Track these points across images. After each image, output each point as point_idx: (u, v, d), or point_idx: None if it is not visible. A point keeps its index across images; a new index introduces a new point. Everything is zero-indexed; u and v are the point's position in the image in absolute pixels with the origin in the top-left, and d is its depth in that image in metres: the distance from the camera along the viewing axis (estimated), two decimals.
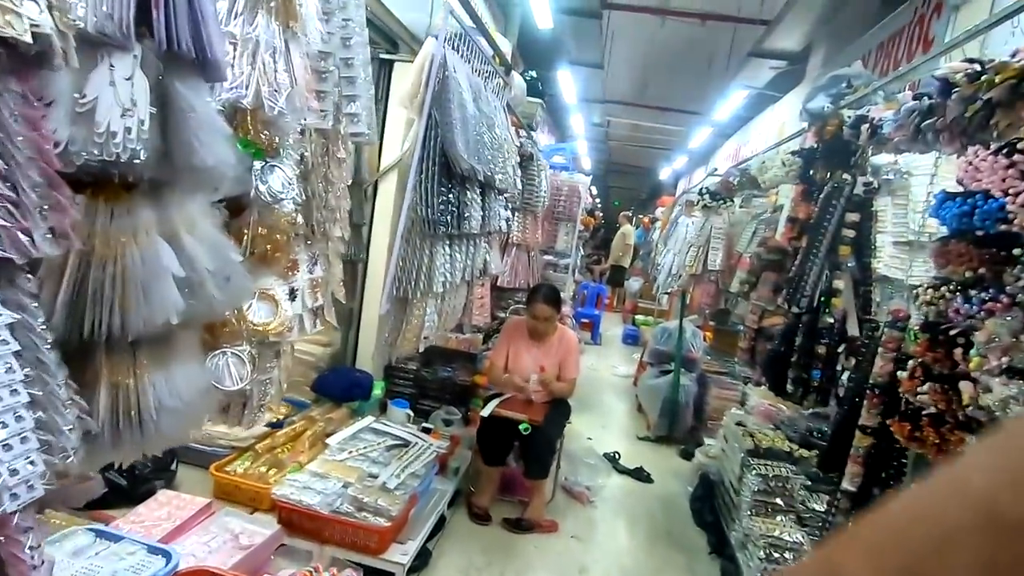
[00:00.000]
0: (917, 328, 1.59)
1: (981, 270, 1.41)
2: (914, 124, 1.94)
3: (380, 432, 2.92)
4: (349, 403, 3.18)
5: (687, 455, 4.18)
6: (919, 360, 1.60)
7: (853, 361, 2.43)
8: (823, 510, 2.58)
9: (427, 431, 3.16)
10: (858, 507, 1.91)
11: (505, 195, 3.16)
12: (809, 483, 2.67)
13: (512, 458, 3.13)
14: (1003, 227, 1.40)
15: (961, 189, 1.59)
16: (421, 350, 2.48)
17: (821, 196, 2.62)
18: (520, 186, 3.45)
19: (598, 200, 26.00)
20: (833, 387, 2.49)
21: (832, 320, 2.45)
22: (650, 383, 4.51)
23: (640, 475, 3.72)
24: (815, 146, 2.88)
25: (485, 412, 2.82)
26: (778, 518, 2.58)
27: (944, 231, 1.58)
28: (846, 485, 1.92)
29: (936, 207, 1.58)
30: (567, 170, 6.34)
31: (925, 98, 1.91)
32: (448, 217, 2.16)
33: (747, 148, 7.41)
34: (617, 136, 13.40)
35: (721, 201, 5.29)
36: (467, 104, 2.20)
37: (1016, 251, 1.36)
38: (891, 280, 2.70)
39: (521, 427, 2.74)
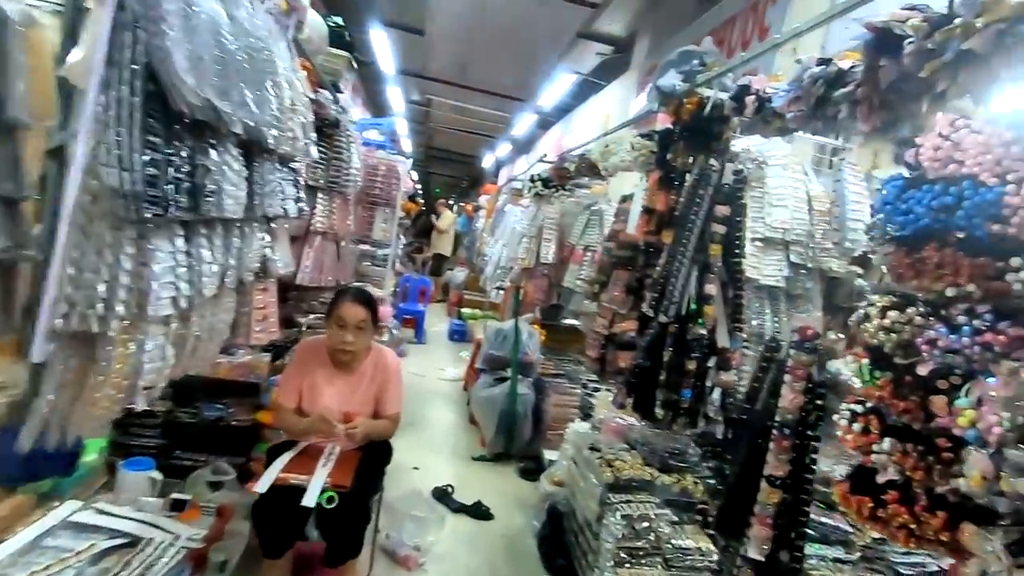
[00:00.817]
0: (867, 363, 1.18)
1: (970, 287, 1.01)
2: (818, 95, 1.58)
3: (86, 529, 1.86)
4: (34, 484, 2.02)
5: (527, 474, 3.72)
6: (868, 406, 1.19)
7: (722, 376, 2.09)
8: (689, 546, 2.24)
9: (178, 506, 2.15)
10: None
11: (293, 165, 2.26)
12: (675, 519, 2.31)
13: (312, 524, 2.26)
14: (995, 227, 1.01)
15: (906, 175, 1.21)
16: (140, 407, 1.50)
17: (686, 185, 2.24)
18: (314, 155, 2.56)
19: (419, 187, 25.17)
20: (702, 406, 2.13)
21: (702, 332, 2.08)
22: (484, 394, 3.96)
23: (479, 511, 3.13)
24: (672, 128, 2.51)
25: (261, 485, 1.92)
26: (645, 568, 2.16)
27: (894, 231, 1.18)
28: (752, 553, 1.50)
29: (891, 197, 1.17)
30: (384, 148, 5.44)
31: (833, 63, 1.55)
32: (171, 190, 1.25)
33: (570, 138, 7.30)
34: (439, 119, 12.72)
35: (553, 189, 4.93)
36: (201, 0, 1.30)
37: (1015, 261, 0.98)
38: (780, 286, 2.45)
39: (320, 499, 1.91)
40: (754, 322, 2.45)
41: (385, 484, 2.47)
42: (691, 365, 2.09)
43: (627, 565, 2.17)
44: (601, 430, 2.99)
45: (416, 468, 3.56)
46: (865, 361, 1.18)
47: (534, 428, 4.00)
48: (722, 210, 2.09)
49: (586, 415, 3.70)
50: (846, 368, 2.71)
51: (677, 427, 2.12)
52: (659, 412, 2.11)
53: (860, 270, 2.64)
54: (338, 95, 3.95)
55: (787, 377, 1.50)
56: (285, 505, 1.89)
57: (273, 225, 2.28)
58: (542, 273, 5.12)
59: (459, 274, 9.92)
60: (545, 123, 9.11)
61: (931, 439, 1.05)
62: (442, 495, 3.21)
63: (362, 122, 6.53)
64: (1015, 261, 0.97)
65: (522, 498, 3.39)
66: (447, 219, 10.92)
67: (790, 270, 2.51)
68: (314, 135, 2.34)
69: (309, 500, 1.87)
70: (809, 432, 1.49)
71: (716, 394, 2.10)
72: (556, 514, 2.83)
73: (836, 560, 2.16)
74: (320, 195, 3.38)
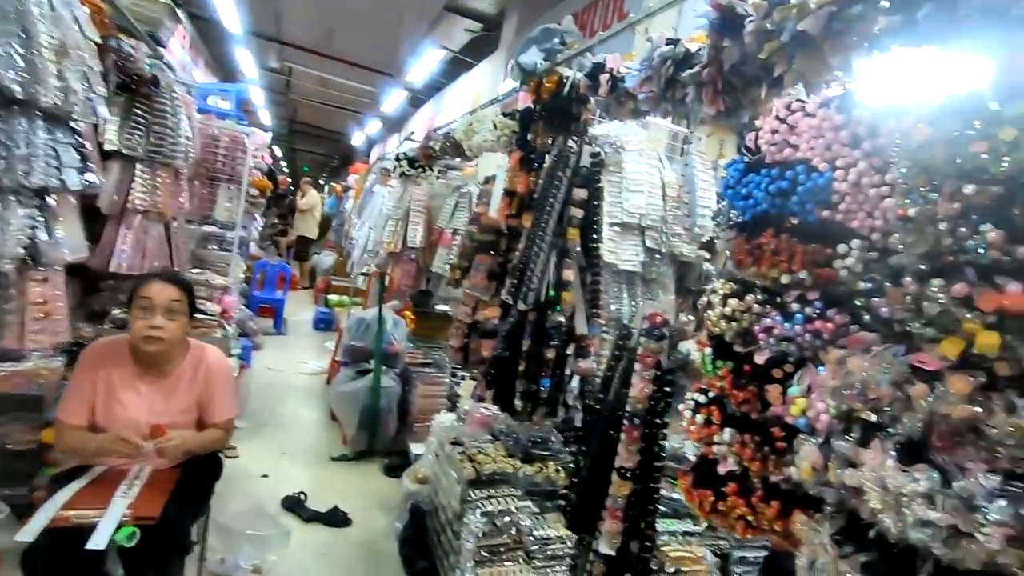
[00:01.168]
0: (709, 352, 1.15)
1: (802, 274, 1.00)
2: (667, 76, 1.54)
3: None
4: None
5: (392, 471, 3.51)
6: (711, 396, 1.16)
7: (581, 363, 2.05)
8: (551, 536, 2.21)
9: None
10: (617, 572, 1.48)
11: (74, 126, 1.82)
12: (536, 510, 2.26)
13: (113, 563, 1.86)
14: (825, 213, 1.00)
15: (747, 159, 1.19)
16: None
17: (545, 167, 2.15)
18: (104, 114, 2.10)
19: (284, 164, 23.25)
20: (561, 395, 2.09)
21: (560, 319, 2.02)
22: (345, 388, 3.66)
23: (334, 519, 2.87)
24: (532, 107, 2.41)
25: (29, 530, 1.52)
26: (507, 564, 2.09)
27: (735, 217, 1.15)
28: (603, 548, 1.45)
29: (732, 181, 1.14)
30: (230, 117, 4.81)
31: (681, 43, 1.52)
32: None
33: (441, 117, 7.06)
34: (303, 91, 11.73)
35: (420, 169, 4.70)
36: None
37: (842, 247, 0.98)
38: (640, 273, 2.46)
39: (117, 537, 1.56)
40: (612, 307, 2.46)
41: (227, 498, 2.15)
42: (550, 353, 2.02)
43: (488, 564, 2.07)
44: (466, 421, 2.87)
45: (265, 476, 3.20)
46: (708, 350, 1.15)
47: (400, 421, 3.79)
48: (580, 193, 2.04)
49: (454, 406, 3.58)
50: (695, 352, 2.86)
51: (537, 418, 2.05)
52: (518, 404, 2.03)
53: (707, 255, 2.77)
54: (159, 48, 3.38)
55: (637, 366, 1.46)
56: (67, 552, 1.51)
57: (50, 200, 1.83)
58: (410, 258, 4.88)
59: (326, 259, 9.29)
60: (416, 101, 8.75)
61: (766, 428, 1.03)
62: (294, 504, 2.90)
63: (204, 87, 5.75)
64: (842, 248, 0.97)
65: (386, 498, 3.19)
66: (311, 199, 10.13)
67: (646, 255, 2.56)
68: (103, 90, 1.90)
69: (98, 541, 1.51)
70: (657, 420, 1.47)
71: (575, 382, 2.06)
72: (419, 513, 2.68)
73: (685, 533, 2.24)
74: (140, 167, 2.85)
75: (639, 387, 1.44)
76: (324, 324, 7.22)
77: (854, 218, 0.96)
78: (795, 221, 1.02)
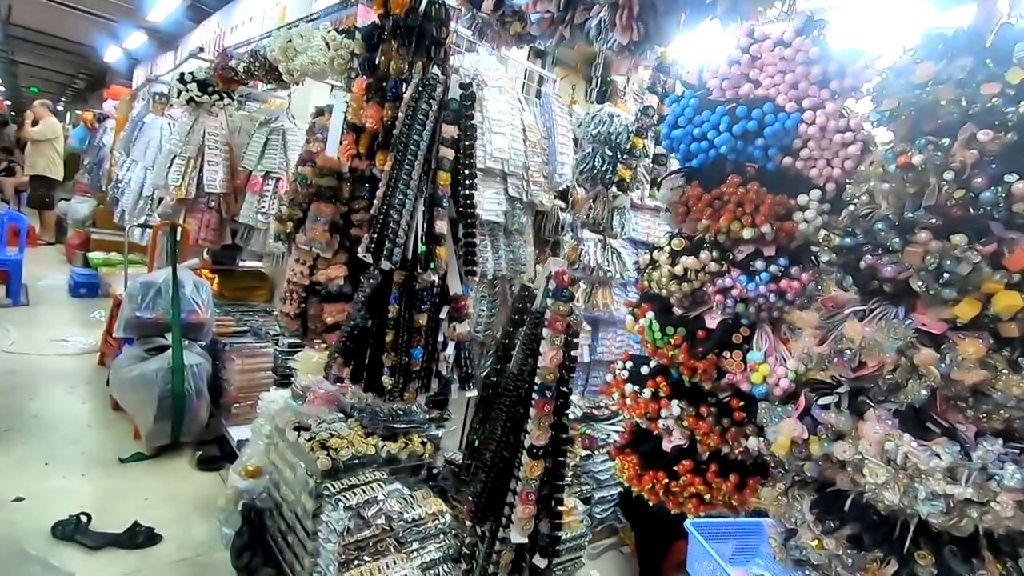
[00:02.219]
0: (653, 317, 1.01)
1: (765, 227, 0.89)
2: None
3: None
4: None
5: (207, 464, 2.94)
6: (653, 366, 1.04)
7: (457, 328, 1.83)
8: (422, 515, 2.01)
9: None
10: (523, 559, 1.34)
11: None
12: (406, 491, 2.02)
13: None
14: (786, 160, 0.90)
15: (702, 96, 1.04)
16: None
17: (405, 98, 1.80)
18: None
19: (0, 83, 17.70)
20: (435, 365, 1.85)
21: (435, 278, 1.75)
22: (132, 372, 2.90)
23: (136, 538, 2.27)
24: (380, 23, 2.00)
25: None
26: (379, 559, 1.84)
27: (682, 161, 1.01)
28: (515, 536, 1.30)
29: (681, 119, 0.98)
30: None
31: None
32: None
33: (235, 36, 5.87)
34: None
35: (217, 96, 3.82)
36: None
37: (802, 198, 0.90)
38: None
39: None
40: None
41: None
42: (422, 319, 1.76)
43: (356, 564, 1.80)
44: (307, 399, 2.46)
45: (20, 499, 2.39)
46: (650, 315, 1.02)
47: (213, 404, 3.17)
48: (450, 131, 1.75)
49: (284, 381, 3.09)
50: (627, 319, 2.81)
51: (408, 394, 1.79)
52: (387, 380, 1.74)
53: (563, 204, 2.70)
54: None
55: (546, 331, 1.29)
56: None
57: None
58: (208, 205, 4.02)
59: (81, 206, 7.39)
60: (199, 12, 7.15)
61: (720, 399, 0.94)
62: (72, 531, 2.21)
63: None
64: (802, 199, 0.89)
65: (204, 500, 2.64)
66: (48, 127, 7.86)
67: (507, 204, 2.38)
68: None
69: None
70: (566, 390, 1.34)
71: (450, 349, 1.83)
72: (255, 513, 2.25)
73: None
74: None
75: (550, 355, 1.27)
76: (86, 289, 5.76)
77: (814, 166, 0.88)
78: (755, 167, 0.91)
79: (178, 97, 3.82)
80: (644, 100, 2.40)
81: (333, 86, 2.58)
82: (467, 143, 1.79)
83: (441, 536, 2.05)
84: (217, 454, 2.97)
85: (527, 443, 1.29)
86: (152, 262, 3.52)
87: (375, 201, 1.79)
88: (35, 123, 7.91)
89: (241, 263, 4.58)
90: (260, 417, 2.74)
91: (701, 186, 0.95)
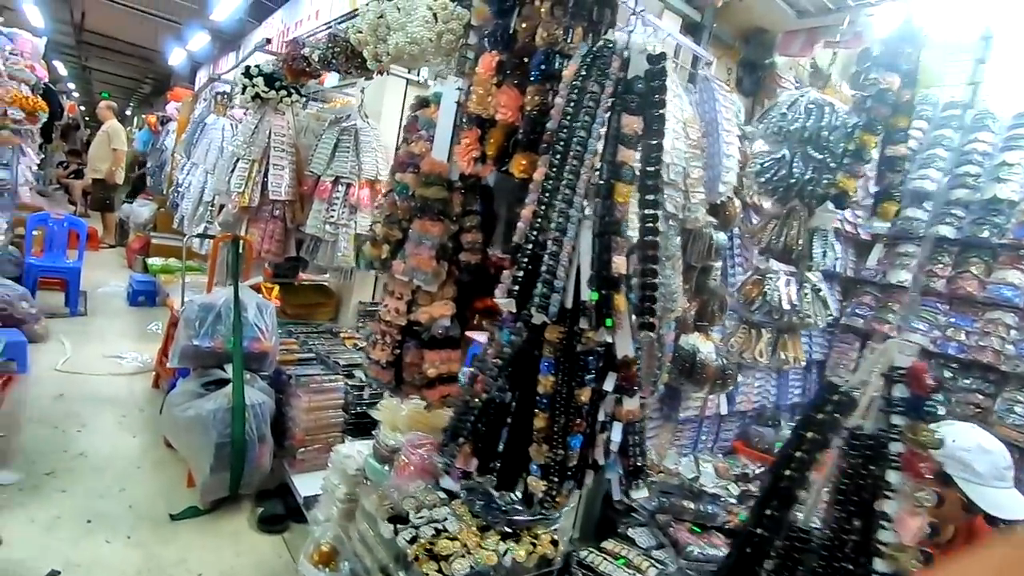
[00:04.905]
0: None
1: None
2: None
3: None
4: None
5: (270, 524, 2.48)
6: None
7: (626, 404, 1.27)
8: None
9: None
10: None
11: None
12: None
13: None
14: None
15: None
16: None
17: (565, 77, 1.26)
18: None
19: (73, 88, 18.37)
20: (590, 452, 1.29)
21: (608, 339, 1.20)
22: (186, 414, 2.48)
23: None
24: None
25: None
26: None
27: None
28: None
29: None
30: None
31: None
32: None
33: (299, 32, 5.53)
34: None
35: (284, 92, 3.41)
36: None
37: None
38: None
39: None
40: None
41: None
42: (584, 395, 1.21)
43: None
44: (394, 467, 1.96)
45: (56, 574, 1.98)
46: None
47: (277, 445, 2.72)
48: (632, 124, 1.19)
49: (356, 422, 2.61)
50: (702, 346, 2.22)
51: (561, 499, 1.24)
52: (537, 485, 1.20)
53: (715, 221, 2.10)
54: None
55: (895, 477, 0.71)
56: None
57: None
58: (272, 214, 3.62)
59: (142, 209, 7.26)
60: (261, 9, 6.90)
61: None
62: None
63: None
64: None
65: (267, 570, 2.18)
66: (115, 132, 7.79)
67: (663, 223, 1.81)
68: None
69: None
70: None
71: (616, 433, 1.27)
72: None
73: None
74: None
75: (910, 524, 0.69)
76: (145, 297, 5.53)
77: None
78: None
79: (243, 93, 3.42)
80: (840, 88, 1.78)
81: (437, 75, 2.06)
82: (653, 141, 1.23)
83: None
84: (281, 511, 2.52)
85: None
86: (212, 279, 3.12)
87: (519, 225, 1.25)
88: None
89: (303, 276, 4.18)
90: (332, 472, 2.27)
91: None
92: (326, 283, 4.13)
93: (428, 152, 1.71)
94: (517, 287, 1.18)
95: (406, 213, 1.70)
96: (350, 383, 2.86)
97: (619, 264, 1.16)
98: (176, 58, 11.13)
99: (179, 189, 5.44)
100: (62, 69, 15.58)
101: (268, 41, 4.48)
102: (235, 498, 2.57)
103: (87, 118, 15.21)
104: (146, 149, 8.85)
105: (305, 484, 2.59)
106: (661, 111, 1.21)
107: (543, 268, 1.17)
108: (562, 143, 1.21)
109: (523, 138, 1.39)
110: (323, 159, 3.47)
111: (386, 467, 2.02)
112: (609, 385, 1.24)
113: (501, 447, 1.26)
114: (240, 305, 2.72)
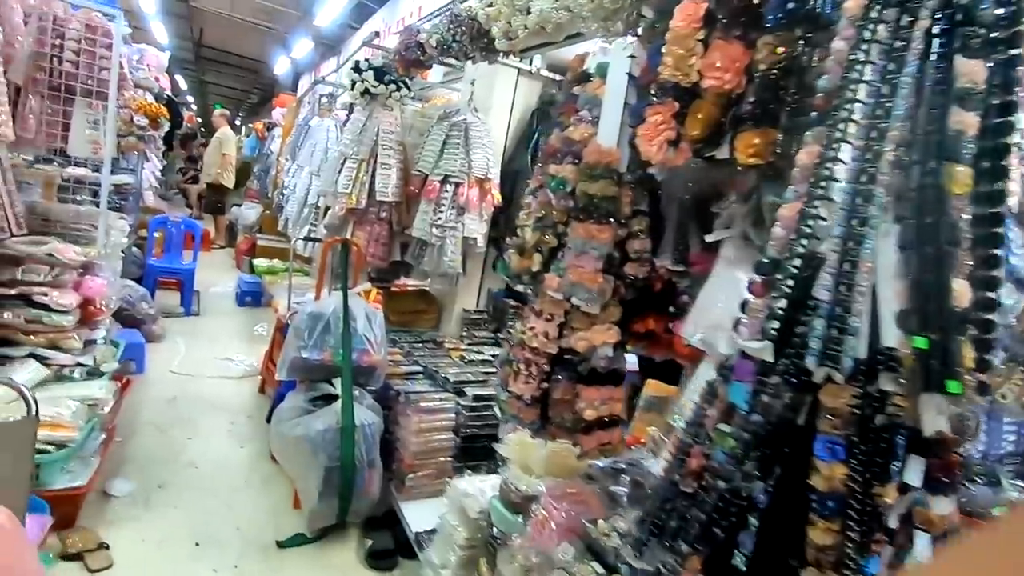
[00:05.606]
0: None
1: None
2: None
3: None
4: None
5: (379, 560, 2.24)
6: None
7: (934, 508, 0.84)
8: None
9: None
10: None
11: None
12: None
13: None
14: None
15: None
16: None
17: (849, 7, 0.86)
18: None
19: (192, 101, 19.96)
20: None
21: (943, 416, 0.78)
22: (294, 432, 2.29)
23: None
24: None
25: None
26: None
27: None
28: None
29: None
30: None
31: None
32: None
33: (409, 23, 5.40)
34: (208, 4, 9.38)
35: (394, 87, 3.21)
36: None
37: None
38: None
39: None
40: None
41: None
42: (890, 495, 0.79)
43: None
44: (529, 521, 1.62)
45: None
46: None
47: (384, 468, 2.49)
48: (972, 72, 0.77)
49: (466, 446, 2.31)
50: None
51: None
52: None
53: None
54: None
55: None
56: None
57: None
58: (379, 216, 3.44)
59: (249, 211, 7.52)
60: (363, 11, 6.94)
61: None
62: None
63: None
64: None
65: None
66: (228, 139, 8.16)
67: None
68: None
69: None
70: None
71: (923, 549, 0.85)
72: None
73: None
74: None
75: None
76: (251, 298, 5.63)
77: None
78: None
79: (352, 88, 3.25)
80: None
81: (603, 44, 1.70)
82: (1003, 100, 0.79)
83: None
84: (391, 546, 2.27)
85: None
86: (320, 285, 2.96)
87: (776, 231, 0.86)
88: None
89: (404, 281, 3.99)
90: (450, 511, 1.97)
91: None
92: (429, 288, 3.91)
93: (592, 137, 1.36)
94: (780, 326, 0.79)
95: (563, 215, 1.36)
96: (461, 402, 2.58)
97: (960, 292, 0.74)
98: (281, 67, 11.64)
99: (284, 192, 5.50)
100: (183, 83, 16.89)
101: (377, 34, 4.34)
102: (342, 526, 2.36)
103: (203, 128, 16.45)
104: (254, 155, 9.25)
105: (414, 514, 2.33)
106: (1017, 51, 0.78)
107: (828, 298, 0.77)
108: (847, 109, 0.80)
109: (753, 109, 0.99)
110: (431, 157, 3.23)
111: (519, 517, 1.69)
112: (914, 477, 0.81)
113: (739, 560, 0.87)
114: (349, 314, 2.51)
